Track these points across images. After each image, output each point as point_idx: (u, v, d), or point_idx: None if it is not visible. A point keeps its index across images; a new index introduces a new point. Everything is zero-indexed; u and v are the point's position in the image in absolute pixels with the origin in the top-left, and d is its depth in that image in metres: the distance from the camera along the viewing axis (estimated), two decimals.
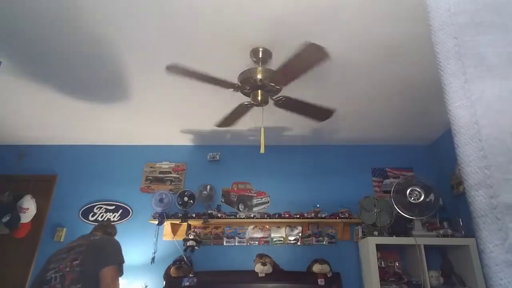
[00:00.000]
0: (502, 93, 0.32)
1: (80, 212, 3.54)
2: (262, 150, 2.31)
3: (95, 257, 1.99)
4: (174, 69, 2.03)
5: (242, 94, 2.28)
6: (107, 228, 2.49)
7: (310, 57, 1.79)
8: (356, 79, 2.54)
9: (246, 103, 2.33)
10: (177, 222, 3.34)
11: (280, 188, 3.64)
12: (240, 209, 3.52)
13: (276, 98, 2.29)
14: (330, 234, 3.39)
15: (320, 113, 2.50)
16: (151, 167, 3.78)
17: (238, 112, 2.50)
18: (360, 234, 3.14)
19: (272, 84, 2.12)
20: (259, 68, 2.11)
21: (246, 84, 2.15)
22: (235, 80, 2.17)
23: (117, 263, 2.02)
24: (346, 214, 3.30)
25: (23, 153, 3.83)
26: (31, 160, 3.82)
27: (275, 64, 2.24)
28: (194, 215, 3.33)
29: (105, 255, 2.02)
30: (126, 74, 2.52)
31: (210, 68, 2.39)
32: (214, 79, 2.10)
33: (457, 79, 0.34)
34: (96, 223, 3.48)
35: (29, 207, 3.47)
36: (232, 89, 2.20)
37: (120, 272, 2.05)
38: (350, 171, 3.67)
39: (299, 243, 3.39)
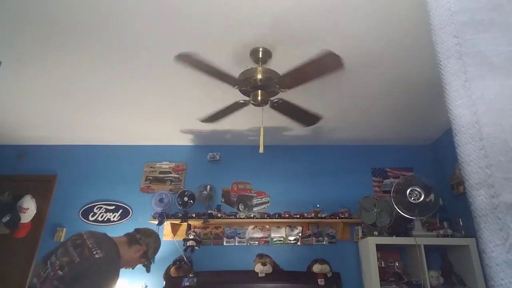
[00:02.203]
0: (503, 92, 0.32)
1: (80, 212, 3.54)
2: (261, 150, 2.31)
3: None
4: (185, 58, 1.95)
5: (242, 95, 2.28)
6: (138, 234, 2.00)
7: (325, 65, 1.77)
8: (356, 79, 2.54)
9: (241, 101, 2.30)
10: (177, 222, 3.34)
11: (280, 188, 3.63)
12: (240, 209, 3.52)
13: (274, 100, 2.28)
14: (330, 234, 3.39)
15: (307, 119, 2.54)
16: (151, 167, 3.78)
17: (230, 110, 2.46)
18: (360, 234, 3.14)
19: (278, 86, 2.12)
20: (259, 68, 2.11)
21: (246, 84, 2.15)
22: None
23: None
24: (346, 214, 3.30)
25: (23, 153, 3.83)
26: (31, 160, 3.82)
27: (275, 64, 2.24)
28: (194, 215, 3.33)
29: None
30: (127, 74, 2.52)
31: None
32: (220, 72, 2.03)
33: (457, 78, 0.34)
34: (96, 223, 3.50)
35: (29, 207, 3.47)
36: (236, 87, 2.18)
37: None
38: (350, 171, 3.67)
39: (299, 243, 3.39)
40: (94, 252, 1.68)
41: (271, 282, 3.05)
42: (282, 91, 2.17)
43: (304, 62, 1.79)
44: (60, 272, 1.62)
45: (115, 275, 1.75)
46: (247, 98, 2.25)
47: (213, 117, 2.57)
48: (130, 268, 2.03)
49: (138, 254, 1.97)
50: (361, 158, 3.73)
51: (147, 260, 2.04)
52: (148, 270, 2.11)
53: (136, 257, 1.97)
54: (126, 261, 1.93)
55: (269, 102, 2.30)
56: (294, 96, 2.38)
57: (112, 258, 1.75)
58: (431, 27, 0.37)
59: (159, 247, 2.13)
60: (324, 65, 1.77)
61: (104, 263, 1.69)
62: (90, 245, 1.72)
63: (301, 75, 1.92)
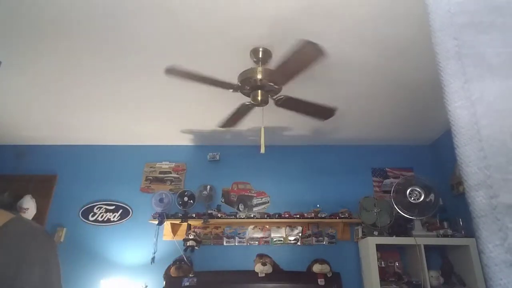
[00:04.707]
0: (502, 93, 0.32)
1: (80, 212, 3.54)
2: (262, 150, 2.31)
3: None
4: (173, 71, 2.02)
5: (242, 94, 2.28)
6: None
7: (306, 55, 1.80)
8: (356, 79, 2.54)
9: (247, 103, 2.33)
10: (177, 222, 3.34)
11: (280, 188, 3.64)
12: (240, 209, 3.52)
13: (277, 97, 2.29)
14: (330, 234, 3.39)
15: (322, 112, 2.48)
16: (151, 167, 3.78)
17: (240, 112, 2.50)
18: (360, 234, 3.14)
19: (271, 84, 2.12)
20: (259, 68, 2.12)
21: (246, 84, 2.15)
22: (235, 80, 2.17)
23: None
24: (346, 214, 3.30)
25: (23, 153, 3.83)
26: (31, 160, 3.82)
27: (275, 64, 2.24)
28: (194, 215, 3.33)
29: None
30: (127, 74, 2.52)
31: (210, 68, 2.40)
32: (213, 80, 2.10)
33: (457, 79, 0.34)
34: (96, 223, 3.50)
35: (29, 207, 3.47)
36: (231, 90, 2.20)
37: None
38: (350, 171, 3.67)
39: (299, 243, 3.39)
40: None
41: (271, 282, 3.06)
42: (277, 87, 2.17)
43: (287, 56, 1.83)
44: None
45: None
46: (248, 98, 2.26)
47: (228, 123, 2.65)
48: None
49: None
50: (361, 158, 3.74)
51: None
52: None
53: None
54: None
55: (273, 100, 2.31)
56: (296, 96, 2.38)
57: None
58: (430, 29, 0.37)
59: None
60: (306, 56, 1.80)
61: None
62: None
63: (288, 69, 1.95)
